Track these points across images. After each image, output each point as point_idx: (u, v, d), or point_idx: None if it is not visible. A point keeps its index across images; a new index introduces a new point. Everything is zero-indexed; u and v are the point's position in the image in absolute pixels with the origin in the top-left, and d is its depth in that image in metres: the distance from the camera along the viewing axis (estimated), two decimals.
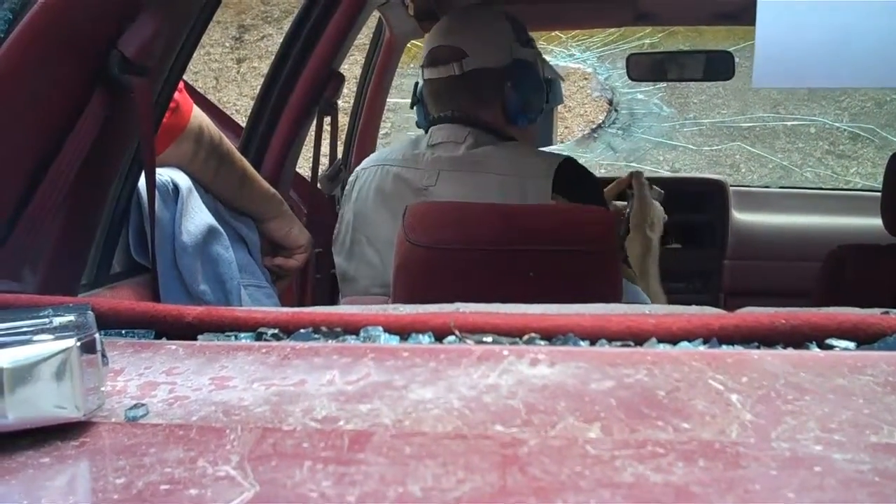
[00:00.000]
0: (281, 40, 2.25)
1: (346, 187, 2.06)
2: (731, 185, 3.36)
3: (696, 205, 3.25)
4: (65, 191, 1.01)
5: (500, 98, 1.93)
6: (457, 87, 1.95)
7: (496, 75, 1.92)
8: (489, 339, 0.67)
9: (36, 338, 0.54)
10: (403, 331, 0.68)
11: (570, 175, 1.84)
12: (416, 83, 2.11)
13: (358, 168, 2.06)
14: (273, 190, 1.79)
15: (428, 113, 2.05)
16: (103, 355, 0.58)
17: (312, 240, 1.88)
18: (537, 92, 1.97)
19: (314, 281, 2.42)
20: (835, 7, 0.89)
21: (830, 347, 0.64)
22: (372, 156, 2.10)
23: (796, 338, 0.65)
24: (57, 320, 0.61)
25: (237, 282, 1.59)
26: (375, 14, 2.50)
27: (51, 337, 0.55)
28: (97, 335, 0.57)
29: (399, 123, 8.67)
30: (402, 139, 2.03)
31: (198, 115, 1.49)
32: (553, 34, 5.42)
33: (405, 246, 1.58)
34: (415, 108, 2.17)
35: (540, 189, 1.79)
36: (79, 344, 0.54)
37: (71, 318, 0.62)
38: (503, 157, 1.86)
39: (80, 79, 1.03)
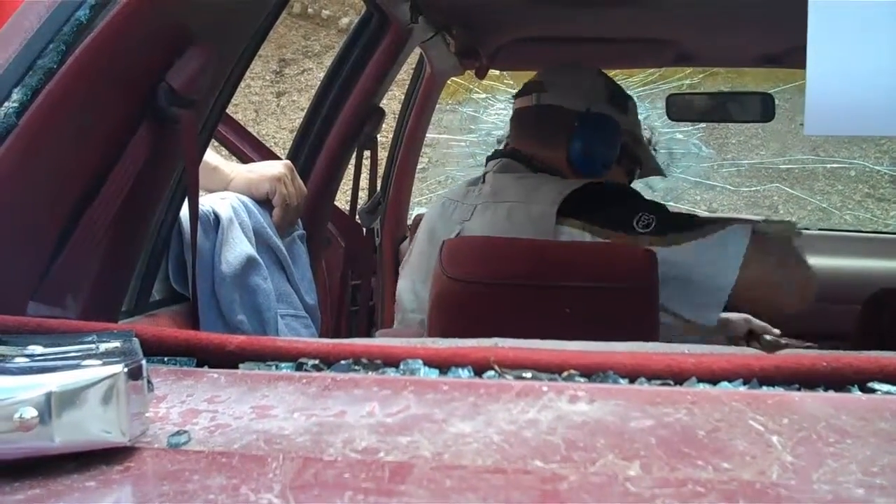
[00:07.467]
0: (321, 74, 2.28)
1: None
2: None
3: None
4: (109, 219, 1.03)
5: (565, 141, 1.95)
6: (530, 119, 2.01)
7: (567, 117, 1.95)
8: (528, 374, 0.67)
9: (84, 363, 0.55)
10: (443, 364, 0.69)
11: (591, 197, 1.79)
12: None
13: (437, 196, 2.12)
14: (213, 163, 1.70)
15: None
16: (148, 382, 0.59)
17: (281, 175, 1.75)
18: (605, 148, 1.98)
19: (349, 313, 2.43)
20: (889, 52, 0.88)
21: (873, 391, 0.63)
22: (452, 186, 2.15)
23: (838, 380, 0.64)
24: (103, 346, 0.62)
25: (274, 312, 1.61)
26: (417, 50, 2.52)
27: (98, 363, 0.55)
28: (143, 362, 0.58)
29: (437, 158, 8.70)
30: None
31: None
32: None
33: (442, 280, 1.59)
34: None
35: (544, 215, 1.76)
36: (126, 370, 0.55)
37: (117, 344, 0.63)
38: (521, 186, 1.86)
39: (128, 110, 1.05)
